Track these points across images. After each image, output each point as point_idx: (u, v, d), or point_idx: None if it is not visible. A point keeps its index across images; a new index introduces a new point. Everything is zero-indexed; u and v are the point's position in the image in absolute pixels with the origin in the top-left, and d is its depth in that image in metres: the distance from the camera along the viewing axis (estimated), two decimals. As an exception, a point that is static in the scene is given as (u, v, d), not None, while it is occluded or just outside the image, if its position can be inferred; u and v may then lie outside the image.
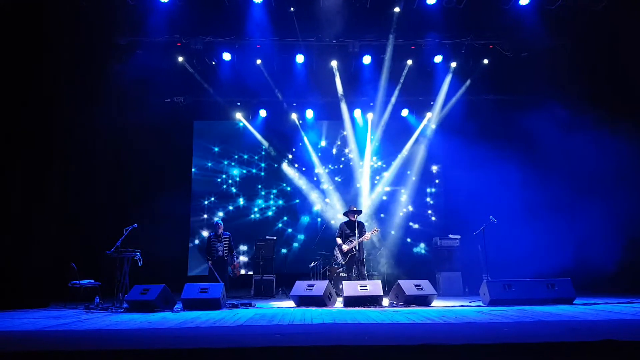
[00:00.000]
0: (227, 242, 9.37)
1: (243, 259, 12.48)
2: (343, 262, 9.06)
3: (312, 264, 10.58)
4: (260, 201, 13.02)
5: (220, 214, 12.61)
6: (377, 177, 13.26)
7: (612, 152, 9.63)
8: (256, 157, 13.23)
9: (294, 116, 13.08)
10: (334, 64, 11.77)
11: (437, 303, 7.83)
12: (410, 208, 13.11)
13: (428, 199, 13.24)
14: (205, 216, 12.74)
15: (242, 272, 12.21)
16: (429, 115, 12.97)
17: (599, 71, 10.14)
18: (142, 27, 10.10)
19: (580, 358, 3.31)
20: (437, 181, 13.32)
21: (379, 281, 8.08)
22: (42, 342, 4.38)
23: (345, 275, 9.39)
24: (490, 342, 3.56)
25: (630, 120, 9.57)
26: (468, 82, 12.09)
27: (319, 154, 13.28)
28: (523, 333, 4.37)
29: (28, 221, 8.70)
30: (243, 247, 12.54)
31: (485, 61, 11.50)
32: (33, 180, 8.90)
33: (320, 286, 7.71)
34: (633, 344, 3.46)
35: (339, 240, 9.09)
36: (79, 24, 9.45)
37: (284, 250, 12.51)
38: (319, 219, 12.88)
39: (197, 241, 12.52)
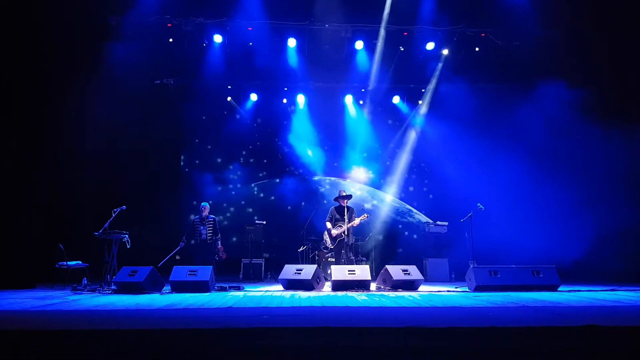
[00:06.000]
0: (211, 225, 9.30)
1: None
2: (332, 247, 9.10)
3: (301, 249, 10.62)
4: (251, 185, 12.97)
5: (210, 201, 12.50)
6: (368, 164, 13.26)
7: (602, 142, 9.74)
8: (247, 142, 13.15)
9: (285, 101, 13.01)
10: (326, 48, 11.66)
11: (423, 288, 7.93)
12: (400, 194, 13.15)
13: (417, 186, 13.29)
14: (195, 202, 12.66)
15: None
16: (420, 102, 12.96)
17: (591, 61, 10.17)
18: (133, 7, 9.93)
19: (562, 342, 3.38)
20: (426, 168, 13.35)
21: (367, 266, 8.16)
22: (28, 322, 4.37)
23: (333, 259, 9.44)
24: (476, 326, 3.62)
25: (620, 111, 9.68)
26: (459, 70, 12.06)
27: (310, 139, 13.22)
28: (508, 318, 4.46)
29: (16, 201, 8.61)
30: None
31: (477, 49, 11.48)
32: (21, 161, 8.80)
33: (308, 270, 7.76)
34: (613, 329, 3.55)
35: (328, 225, 9.12)
36: (69, 3, 9.26)
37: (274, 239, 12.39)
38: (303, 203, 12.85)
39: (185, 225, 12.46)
